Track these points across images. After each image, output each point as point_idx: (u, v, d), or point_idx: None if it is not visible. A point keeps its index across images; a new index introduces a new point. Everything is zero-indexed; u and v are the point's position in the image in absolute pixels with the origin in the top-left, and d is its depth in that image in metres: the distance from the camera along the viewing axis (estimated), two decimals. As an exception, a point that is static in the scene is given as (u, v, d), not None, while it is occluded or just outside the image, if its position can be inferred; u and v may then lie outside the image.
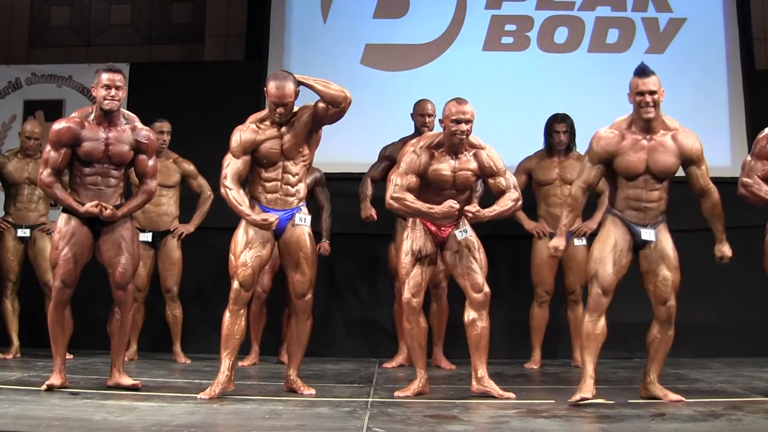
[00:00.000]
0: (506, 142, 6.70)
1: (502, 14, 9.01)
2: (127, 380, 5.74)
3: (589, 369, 5.37)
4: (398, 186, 5.66)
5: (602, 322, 5.41)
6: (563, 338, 7.96)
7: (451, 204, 5.56)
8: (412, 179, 5.67)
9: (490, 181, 5.78)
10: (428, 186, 5.72)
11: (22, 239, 7.70)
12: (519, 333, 7.96)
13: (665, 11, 9.03)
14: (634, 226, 5.44)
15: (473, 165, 5.73)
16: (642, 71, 5.40)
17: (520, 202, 5.78)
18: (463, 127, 5.61)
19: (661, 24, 9.01)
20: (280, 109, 5.57)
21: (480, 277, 5.69)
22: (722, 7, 9.05)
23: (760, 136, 5.71)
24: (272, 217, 5.48)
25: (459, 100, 5.67)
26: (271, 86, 5.58)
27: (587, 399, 5.25)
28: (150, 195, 5.92)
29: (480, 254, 5.74)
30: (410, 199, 5.63)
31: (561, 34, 9.00)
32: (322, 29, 9.03)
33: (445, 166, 5.71)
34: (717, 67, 8.90)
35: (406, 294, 5.72)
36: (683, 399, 5.37)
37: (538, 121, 7.91)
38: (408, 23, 9.05)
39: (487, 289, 5.69)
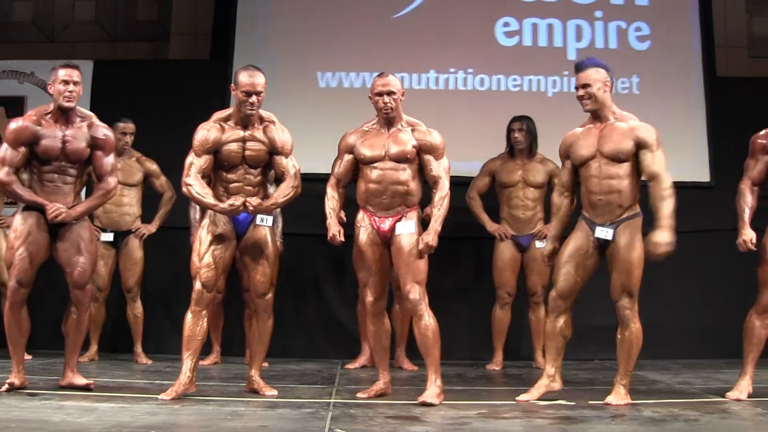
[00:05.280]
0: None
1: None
2: (80, 380, 5.68)
3: (546, 368, 5.61)
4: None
5: (560, 322, 5.59)
6: (525, 339, 8.00)
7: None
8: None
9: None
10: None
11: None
12: (481, 334, 7.98)
13: (630, 19, 9.12)
14: (592, 225, 5.52)
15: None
16: (577, 66, 5.64)
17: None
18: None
19: (630, 32, 9.09)
20: (252, 98, 5.54)
21: (407, 284, 5.52)
22: (685, 14, 9.14)
23: (758, 134, 5.89)
24: (238, 200, 5.45)
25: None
26: (242, 76, 5.56)
27: (532, 399, 5.48)
28: (108, 193, 5.85)
29: (412, 258, 5.49)
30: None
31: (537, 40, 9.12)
32: (289, 29, 9.00)
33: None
34: (680, 73, 8.99)
35: (369, 297, 5.69)
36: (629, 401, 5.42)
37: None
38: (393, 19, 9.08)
39: (413, 296, 5.49)
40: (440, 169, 5.57)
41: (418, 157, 5.60)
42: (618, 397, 5.41)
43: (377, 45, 8.92)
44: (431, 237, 5.43)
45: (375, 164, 5.60)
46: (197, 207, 7.49)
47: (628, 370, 5.49)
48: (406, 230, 5.52)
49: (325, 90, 8.91)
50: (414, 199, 5.60)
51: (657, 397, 5.77)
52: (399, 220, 5.57)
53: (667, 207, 5.38)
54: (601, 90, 5.54)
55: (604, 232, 5.50)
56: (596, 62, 5.65)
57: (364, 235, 5.65)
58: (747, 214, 5.84)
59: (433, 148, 5.59)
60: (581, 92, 5.57)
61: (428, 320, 5.48)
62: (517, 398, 5.56)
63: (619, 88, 8.80)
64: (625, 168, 5.50)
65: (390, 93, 5.58)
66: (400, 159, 5.58)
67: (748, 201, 5.86)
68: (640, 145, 5.48)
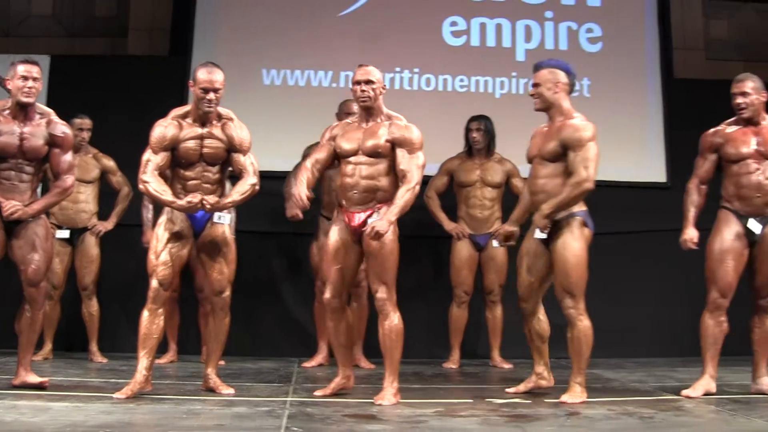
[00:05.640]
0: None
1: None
2: (33, 378, 5.63)
3: (534, 367, 5.90)
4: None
5: (532, 324, 5.84)
6: (482, 338, 8.04)
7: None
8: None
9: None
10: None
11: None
12: (438, 333, 8.00)
13: (581, 20, 9.17)
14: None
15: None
16: (534, 66, 5.79)
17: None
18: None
19: (582, 33, 9.14)
20: (210, 95, 5.50)
21: (374, 282, 5.53)
22: (638, 16, 9.21)
23: (707, 132, 6.00)
24: (196, 197, 5.42)
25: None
26: (201, 72, 5.53)
27: (519, 392, 5.78)
28: (65, 192, 5.79)
29: (381, 257, 5.45)
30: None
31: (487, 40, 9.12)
32: (249, 24, 8.96)
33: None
34: (634, 75, 9.07)
35: (327, 293, 5.64)
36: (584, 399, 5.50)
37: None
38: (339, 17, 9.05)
39: (379, 294, 5.48)
40: (410, 163, 5.46)
41: (393, 152, 5.54)
42: (573, 395, 5.47)
43: (322, 43, 8.89)
44: (382, 224, 5.32)
45: (350, 158, 5.58)
46: (150, 206, 7.47)
47: (580, 368, 5.55)
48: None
49: (269, 87, 8.86)
50: (387, 195, 5.52)
51: (612, 395, 5.85)
52: (371, 216, 5.51)
53: (563, 198, 5.51)
54: (551, 91, 5.63)
55: (538, 233, 5.63)
56: (555, 63, 5.76)
57: (335, 229, 5.63)
58: (692, 213, 5.94)
59: (406, 142, 5.51)
60: (532, 91, 5.71)
61: (393, 321, 5.47)
62: (507, 390, 5.82)
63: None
64: (554, 168, 5.62)
65: (368, 82, 5.56)
66: (373, 153, 5.53)
67: (694, 200, 5.95)
68: (565, 146, 5.57)
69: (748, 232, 5.73)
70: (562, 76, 5.67)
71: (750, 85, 5.79)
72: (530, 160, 5.80)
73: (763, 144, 5.75)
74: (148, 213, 7.49)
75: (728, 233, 5.77)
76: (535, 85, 5.69)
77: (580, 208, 5.60)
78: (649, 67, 9.11)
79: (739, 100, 5.80)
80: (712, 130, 5.97)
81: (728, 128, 5.91)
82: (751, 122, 5.82)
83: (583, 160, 5.49)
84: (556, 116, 5.67)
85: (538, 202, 5.63)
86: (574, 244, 5.53)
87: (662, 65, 9.11)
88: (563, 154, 5.55)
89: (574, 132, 5.55)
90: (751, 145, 5.77)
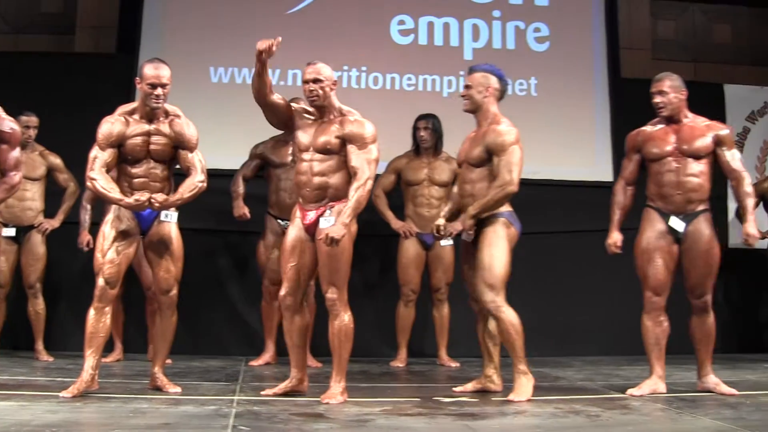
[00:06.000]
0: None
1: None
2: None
3: (484, 369, 5.99)
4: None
5: (484, 325, 5.92)
6: (429, 337, 8.08)
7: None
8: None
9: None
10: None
11: None
12: (386, 331, 8.04)
13: (529, 20, 9.25)
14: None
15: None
16: (469, 69, 5.92)
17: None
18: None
19: (529, 33, 9.21)
20: (157, 90, 5.48)
21: (324, 283, 5.49)
22: (586, 16, 9.30)
23: (631, 132, 6.10)
24: (144, 195, 5.39)
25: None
26: (148, 68, 5.51)
27: (466, 391, 5.82)
28: (12, 188, 5.72)
29: (330, 257, 5.38)
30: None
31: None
32: (197, 21, 8.93)
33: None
34: (581, 74, 9.16)
35: (282, 291, 5.59)
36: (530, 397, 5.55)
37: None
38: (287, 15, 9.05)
39: (329, 295, 5.44)
40: (360, 159, 5.41)
41: (345, 149, 5.49)
42: (519, 392, 5.53)
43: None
44: (336, 229, 5.28)
45: (303, 155, 5.57)
46: (88, 207, 7.44)
47: (518, 356, 5.62)
48: (329, 225, 5.39)
49: (217, 85, 8.85)
50: (339, 192, 5.47)
51: (559, 393, 5.91)
52: (322, 214, 5.48)
53: (488, 200, 5.62)
54: (481, 94, 5.77)
55: (465, 236, 5.82)
56: (489, 68, 5.88)
57: (292, 226, 5.61)
58: (617, 216, 6.05)
59: (356, 138, 5.46)
60: (463, 92, 5.85)
61: (344, 320, 5.46)
62: (454, 389, 5.83)
63: (516, 90, 8.93)
64: (480, 172, 5.75)
65: (316, 80, 5.53)
66: (323, 150, 5.50)
67: (620, 202, 6.07)
68: (489, 151, 5.69)
69: (672, 230, 5.83)
70: (494, 81, 5.81)
71: (668, 83, 5.89)
72: (460, 165, 5.94)
73: (682, 142, 5.85)
74: (86, 214, 7.47)
75: (652, 232, 5.88)
76: (467, 87, 5.83)
77: (505, 209, 5.72)
78: (596, 67, 9.21)
79: (658, 99, 5.91)
80: (636, 130, 6.09)
81: (651, 128, 6.02)
82: (673, 121, 5.92)
83: (507, 164, 5.60)
84: (483, 121, 5.80)
85: (466, 206, 5.76)
86: (495, 240, 5.64)
87: (609, 65, 9.22)
88: (488, 158, 5.68)
89: (498, 137, 5.66)
90: (671, 143, 5.87)
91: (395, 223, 7.83)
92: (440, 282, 7.79)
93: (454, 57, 9.04)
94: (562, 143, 8.92)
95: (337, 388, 5.41)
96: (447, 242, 7.49)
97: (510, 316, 5.58)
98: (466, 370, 7.17)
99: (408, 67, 9.05)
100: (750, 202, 5.80)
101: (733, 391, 5.75)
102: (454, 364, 7.70)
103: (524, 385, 5.57)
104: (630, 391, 5.78)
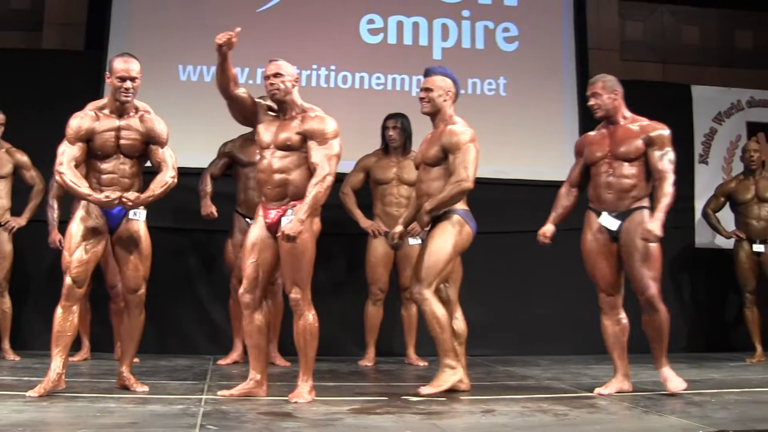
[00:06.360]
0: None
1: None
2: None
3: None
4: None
5: (456, 323, 6.04)
6: (397, 336, 8.10)
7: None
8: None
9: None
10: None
11: None
12: (354, 330, 8.05)
13: (498, 20, 9.28)
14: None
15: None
16: (426, 71, 6.01)
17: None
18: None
19: (498, 33, 9.24)
20: (127, 84, 5.47)
21: (287, 282, 5.50)
22: (555, 16, 9.34)
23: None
24: (114, 193, 5.37)
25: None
26: (117, 62, 5.49)
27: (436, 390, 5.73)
28: None
29: (292, 256, 5.36)
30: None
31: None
32: (165, 19, 8.88)
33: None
34: (550, 75, 9.20)
35: (241, 288, 5.55)
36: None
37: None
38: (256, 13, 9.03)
39: (293, 295, 5.43)
40: (320, 155, 5.38)
41: (306, 145, 5.46)
42: (435, 383, 5.73)
43: (240, 39, 8.70)
44: (292, 226, 5.27)
45: (264, 152, 5.56)
46: (55, 206, 7.41)
47: (444, 350, 5.77)
48: (287, 223, 5.35)
49: (186, 83, 8.82)
50: (300, 190, 5.42)
51: (526, 392, 5.94)
52: (284, 214, 5.44)
53: (442, 198, 5.75)
54: (442, 98, 5.88)
55: (415, 239, 5.91)
56: (444, 71, 5.99)
57: (255, 224, 5.59)
58: (555, 213, 6.16)
59: (316, 134, 5.43)
60: (422, 94, 5.92)
61: (308, 320, 5.44)
62: (420, 390, 5.75)
63: (485, 90, 8.98)
64: (436, 172, 5.86)
65: (277, 75, 5.51)
66: (284, 147, 5.48)
67: (562, 202, 6.18)
68: (445, 150, 5.80)
69: (606, 228, 5.87)
70: (451, 85, 5.93)
71: (600, 85, 5.98)
72: (417, 167, 6.04)
73: (615, 146, 5.90)
74: (53, 213, 7.44)
75: (591, 234, 5.96)
76: (427, 90, 5.90)
77: (461, 207, 5.80)
78: (564, 67, 9.25)
79: (591, 101, 6.00)
80: (584, 134, 6.24)
81: (594, 132, 6.10)
82: (611, 122, 5.99)
83: (463, 162, 5.71)
84: (440, 122, 5.91)
85: (422, 205, 5.85)
86: (442, 236, 5.75)
87: (578, 65, 9.26)
88: (444, 158, 5.80)
89: (453, 136, 5.78)
90: (605, 147, 5.93)
91: (364, 222, 7.85)
92: (408, 281, 7.79)
93: (423, 56, 9.01)
94: (530, 143, 8.96)
95: (304, 387, 5.40)
96: (415, 241, 7.48)
97: (434, 308, 5.68)
98: (434, 369, 7.15)
99: (377, 67, 9.06)
100: (665, 201, 5.67)
101: (678, 389, 5.73)
102: (423, 363, 7.71)
103: (445, 376, 5.69)
104: (597, 390, 5.81)
